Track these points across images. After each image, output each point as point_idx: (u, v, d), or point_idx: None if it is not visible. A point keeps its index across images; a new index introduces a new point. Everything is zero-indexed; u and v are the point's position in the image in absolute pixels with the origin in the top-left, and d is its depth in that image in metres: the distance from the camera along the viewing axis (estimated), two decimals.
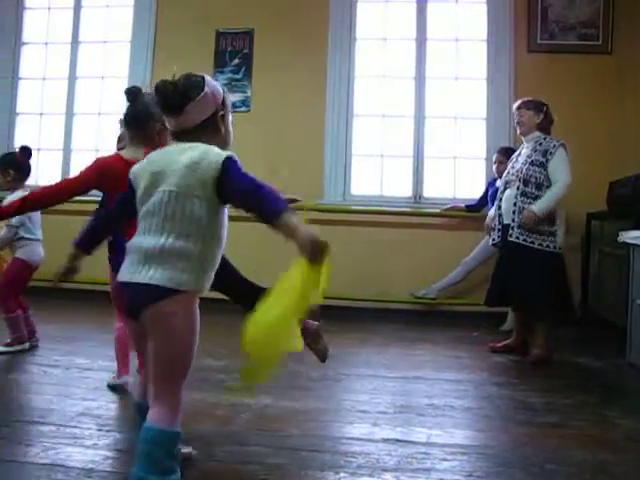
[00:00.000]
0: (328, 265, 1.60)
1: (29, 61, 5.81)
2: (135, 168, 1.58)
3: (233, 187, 1.50)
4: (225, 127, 1.70)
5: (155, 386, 1.47)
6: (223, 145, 1.63)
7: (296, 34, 5.27)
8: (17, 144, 5.70)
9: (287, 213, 1.54)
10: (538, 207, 3.35)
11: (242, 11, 5.35)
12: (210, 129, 1.62)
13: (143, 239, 1.48)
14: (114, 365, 2.91)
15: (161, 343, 1.49)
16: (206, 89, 1.65)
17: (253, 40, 5.34)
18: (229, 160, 1.49)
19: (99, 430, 1.98)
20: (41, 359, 2.94)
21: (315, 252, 1.55)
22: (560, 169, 3.39)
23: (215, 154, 1.50)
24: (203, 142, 1.55)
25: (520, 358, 3.45)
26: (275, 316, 1.54)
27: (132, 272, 1.47)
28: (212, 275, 1.67)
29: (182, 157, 1.50)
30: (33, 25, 5.82)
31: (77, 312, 4.61)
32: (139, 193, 1.53)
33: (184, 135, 1.58)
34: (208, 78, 1.70)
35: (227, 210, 1.63)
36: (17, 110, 5.76)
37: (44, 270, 4.70)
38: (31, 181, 5.62)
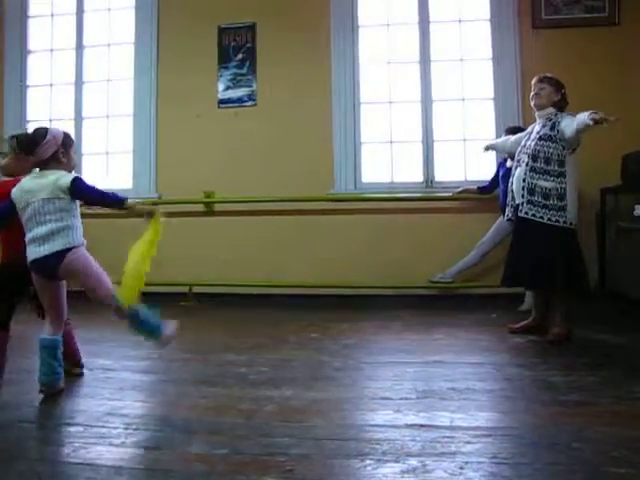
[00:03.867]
0: (158, 223, 2.84)
1: (36, 68, 5.86)
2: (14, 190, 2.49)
3: (85, 196, 2.62)
4: (67, 158, 2.59)
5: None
6: (68, 170, 2.57)
7: (298, 25, 5.25)
8: None
9: (126, 201, 2.73)
10: (584, 115, 3.22)
11: (243, 6, 5.34)
12: (56, 161, 2.52)
13: (37, 231, 2.43)
14: (135, 364, 2.96)
15: (83, 278, 2.52)
16: (48, 137, 2.49)
17: (255, 34, 5.33)
18: (76, 180, 2.52)
19: (126, 429, 2.01)
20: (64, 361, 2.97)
21: (149, 212, 2.84)
22: (570, 117, 3.34)
23: (66, 176, 2.49)
24: (54, 169, 2.50)
25: (540, 338, 3.44)
26: (134, 261, 2.81)
27: (39, 251, 2.41)
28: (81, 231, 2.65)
29: (47, 179, 2.47)
30: (38, 33, 5.86)
31: (89, 313, 4.66)
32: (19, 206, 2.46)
33: (42, 165, 2.52)
34: (51, 129, 2.53)
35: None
36: (27, 118, 5.81)
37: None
38: None
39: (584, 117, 3.22)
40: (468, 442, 1.86)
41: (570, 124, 3.32)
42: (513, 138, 3.91)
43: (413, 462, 1.71)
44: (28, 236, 2.44)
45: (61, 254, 2.44)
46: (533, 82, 3.61)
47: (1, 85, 5.74)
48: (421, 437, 1.91)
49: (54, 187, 2.44)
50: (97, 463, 1.72)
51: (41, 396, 2.40)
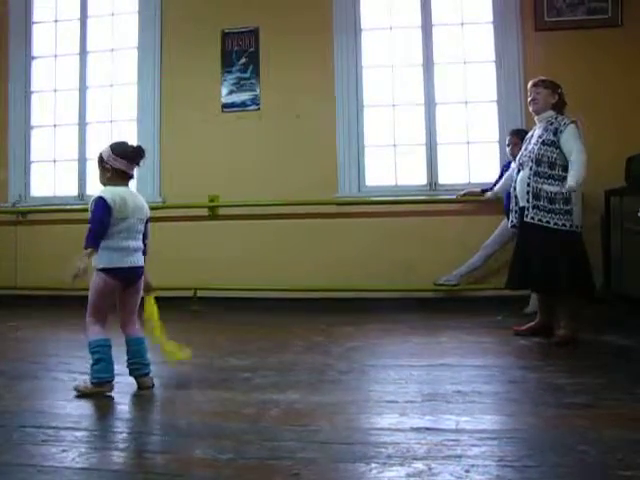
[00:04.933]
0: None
1: (40, 74, 5.88)
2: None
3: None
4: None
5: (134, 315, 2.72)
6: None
7: (301, 29, 5.27)
8: (33, 157, 5.80)
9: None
10: (574, 180, 3.28)
11: (246, 10, 5.36)
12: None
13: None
14: None
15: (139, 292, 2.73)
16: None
17: (259, 38, 5.35)
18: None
19: (130, 433, 2.01)
20: (70, 367, 2.98)
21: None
22: (572, 141, 3.35)
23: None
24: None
25: (545, 340, 3.43)
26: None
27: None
28: None
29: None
30: (41, 39, 5.89)
31: None
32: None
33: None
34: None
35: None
36: (31, 123, 5.84)
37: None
38: (48, 192, 5.76)
39: (572, 176, 3.30)
40: (474, 445, 1.85)
41: (568, 148, 3.36)
42: (507, 175, 4.00)
43: (419, 465, 1.70)
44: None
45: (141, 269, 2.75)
46: (528, 87, 3.61)
47: (5, 90, 5.77)
48: (427, 440, 1.90)
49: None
50: (102, 468, 1.72)
51: (43, 400, 2.41)
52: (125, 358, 2.62)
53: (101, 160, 2.63)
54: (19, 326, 4.11)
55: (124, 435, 1.99)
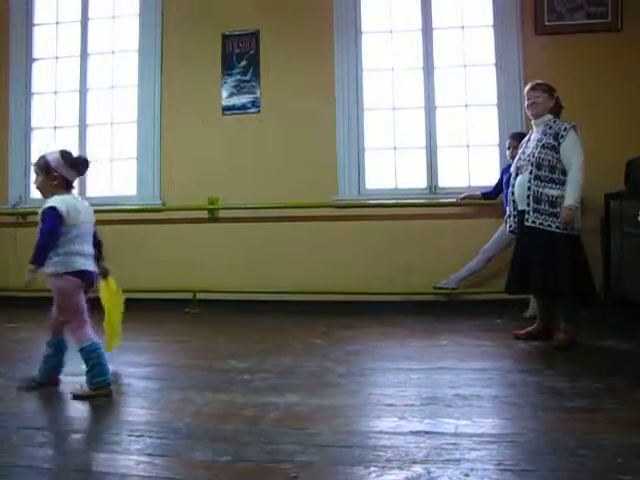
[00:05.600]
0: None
1: (41, 76, 5.89)
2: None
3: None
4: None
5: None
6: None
7: (301, 32, 5.28)
8: (33, 159, 5.79)
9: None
10: (571, 201, 3.30)
11: (246, 13, 5.37)
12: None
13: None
14: (139, 371, 2.96)
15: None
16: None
17: (259, 41, 5.35)
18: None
19: (129, 436, 2.01)
20: (68, 369, 2.97)
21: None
22: (572, 152, 3.36)
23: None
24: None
25: (544, 344, 3.43)
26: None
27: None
28: None
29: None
30: (43, 41, 5.89)
31: (94, 320, 4.67)
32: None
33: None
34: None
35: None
36: (32, 125, 5.84)
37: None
38: None
39: (569, 195, 3.32)
40: (473, 449, 1.85)
41: (567, 160, 3.37)
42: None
43: (418, 469, 1.70)
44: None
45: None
46: (526, 91, 3.61)
47: (6, 92, 5.78)
48: (426, 444, 1.90)
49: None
50: (101, 470, 1.72)
51: (43, 402, 2.41)
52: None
53: (48, 167, 2.61)
54: (19, 328, 4.10)
55: (123, 437, 1.98)
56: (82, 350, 2.51)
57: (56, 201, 2.53)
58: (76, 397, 2.46)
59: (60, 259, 2.51)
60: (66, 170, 2.62)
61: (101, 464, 1.76)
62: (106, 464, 1.76)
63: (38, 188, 2.66)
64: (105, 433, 2.03)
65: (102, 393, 2.47)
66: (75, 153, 2.78)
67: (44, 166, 2.62)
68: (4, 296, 5.24)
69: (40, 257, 2.46)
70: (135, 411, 2.33)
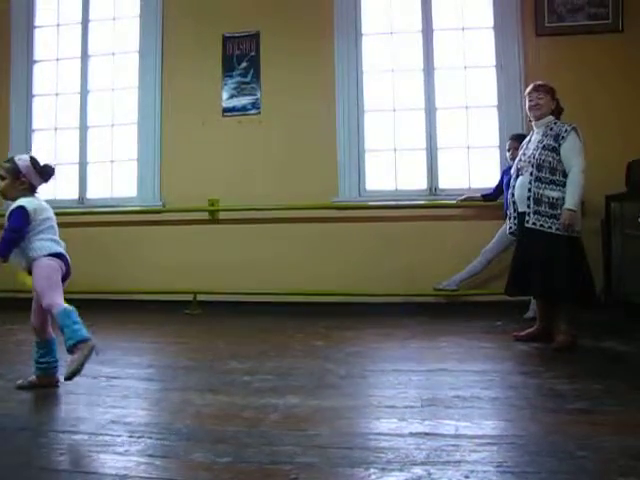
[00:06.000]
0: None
1: (42, 78, 5.90)
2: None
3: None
4: None
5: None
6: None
7: (301, 33, 5.29)
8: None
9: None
10: (571, 203, 3.30)
11: (247, 14, 5.38)
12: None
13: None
14: (140, 372, 2.96)
15: None
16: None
17: (259, 42, 5.36)
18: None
19: (130, 437, 2.00)
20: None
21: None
22: (573, 154, 3.36)
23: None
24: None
25: (544, 345, 3.42)
26: None
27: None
28: None
29: None
30: (43, 42, 5.91)
31: (95, 322, 4.67)
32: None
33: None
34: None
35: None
36: (33, 127, 5.85)
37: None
38: (49, 195, 5.75)
39: (568, 198, 3.32)
40: (473, 450, 1.85)
41: (568, 162, 3.37)
42: None
43: (418, 471, 1.70)
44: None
45: None
46: (527, 92, 3.61)
47: (7, 95, 5.79)
48: (426, 445, 1.90)
49: None
50: (101, 472, 1.72)
51: (43, 403, 2.41)
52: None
53: (17, 172, 2.65)
54: (17, 329, 4.10)
55: (123, 439, 1.98)
56: (57, 315, 2.54)
57: (24, 201, 2.62)
58: (70, 374, 2.45)
59: (37, 245, 2.61)
60: (34, 176, 2.68)
61: (102, 465, 1.76)
62: (107, 465, 1.76)
63: (1, 191, 2.69)
64: (106, 434, 2.03)
65: (87, 347, 2.48)
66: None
67: (13, 170, 2.66)
68: (5, 297, 5.24)
69: (4, 250, 2.55)
70: (135, 412, 2.32)
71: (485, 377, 2.78)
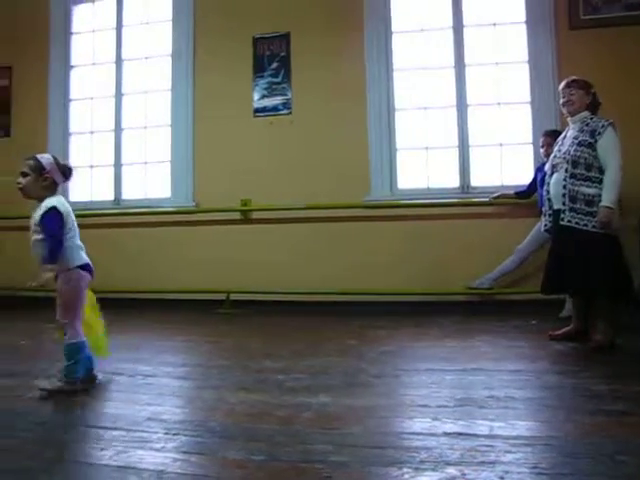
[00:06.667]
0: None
1: (78, 83, 6.04)
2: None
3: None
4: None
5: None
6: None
7: (331, 32, 5.29)
8: (72, 163, 5.92)
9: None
10: (609, 200, 3.23)
11: (277, 15, 5.41)
12: None
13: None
14: (174, 371, 3.01)
15: None
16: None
17: (290, 43, 5.39)
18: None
19: (166, 434, 2.04)
20: (106, 367, 3.04)
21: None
22: (609, 150, 3.29)
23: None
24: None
25: (581, 345, 3.36)
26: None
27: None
28: None
29: None
30: (80, 48, 6.05)
31: (131, 321, 4.77)
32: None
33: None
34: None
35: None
36: (70, 130, 5.99)
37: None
38: (85, 197, 5.90)
39: (605, 197, 3.25)
40: (508, 451, 1.83)
41: (604, 159, 3.30)
42: None
43: (452, 471, 1.69)
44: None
45: None
46: (561, 88, 3.54)
47: (46, 99, 5.94)
48: (459, 445, 1.88)
49: None
50: (139, 467, 1.76)
51: (84, 399, 2.47)
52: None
53: (42, 168, 2.63)
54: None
55: (159, 435, 2.02)
56: (70, 345, 2.60)
57: (54, 202, 2.60)
58: (42, 390, 2.53)
59: (69, 254, 2.62)
60: (57, 173, 2.67)
61: (140, 460, 1.80)
62: (144, 460, 1.80)
63: (23, 188, 2.64)
64: (143, 431, 2.07)
65: (72, 388, 2.56)
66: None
67: (36, 167, 2.63)
68: (44, 297, 5.38)
69: (54, 257, 2.54)
70: (171, 409, 2.36)
71: (520, 377, 2.75)
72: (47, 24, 5.98)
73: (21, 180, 2.63)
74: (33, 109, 5.97)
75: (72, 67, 6.02)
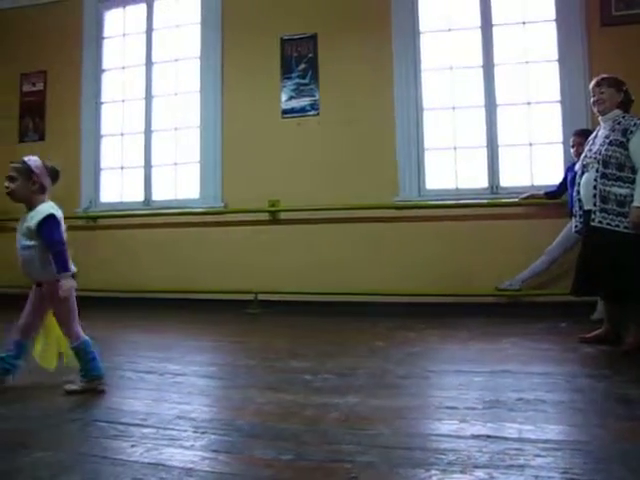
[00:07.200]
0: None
1: (109, 86, 6.16)
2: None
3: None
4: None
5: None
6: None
7: (359, 33, 5.29)
8: (103, 165, 6.06)
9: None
10: (639, 200, 3.18)
11: (304, 17, 5.44)
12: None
13: None
14: (203, 370, 3.04)
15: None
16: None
17: (317, 44, 5.41)
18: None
19: (195, 432, 2.07)
20: (137, 366, 3.10)
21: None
22: None
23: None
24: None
25: (612, 348, 3.30)
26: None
27: None
28: None
29: None
30: (111, 52, 6.17)
31: (160, 321, 4.83)
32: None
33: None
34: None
35: None
36: (101, 132, 6.10)
37: (122, 282, 4.95)
38: (116, 197, 6.00)
39: (638, 194, 3.18)
40: (537, 455, 1.81)
41: (637, 156, 3.23)
42: None
43: (480, 474, 1.68)
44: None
45: None
46: (591, 87, 3.49)
47: (78, 102, 6.07)
48: (488, 448, 1.87)
49: None
50: (169, 464, 1.78)
51: (115, 397, 2.52)
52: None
53: (30, 171, 2.57)
54: (90, 326, 4.29)
55: (188, 434, 2.05)
56: (75, 348, 2.63)
57: (49, 208, 2.57)
58: (70, 392, 2.58)
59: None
60: (45, 177, 2.62)
61: (169, 458, 1.83)
62: (174, 458, 1.83)
63: (11, 192, 2.57)
64: (172, 429, 2.10)
65: (94, 386, 2.61)
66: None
67: (25, 170, 2.57)
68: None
69: (67, 265, 2.53)
70: (200, 408, 2.39)
71: (549, 380, 2.71)
72: (80, 29, 6.11)
73: (9, 184, 2.56)
74: (66, 112, 6.10)
75: (103, 71, 6.14)
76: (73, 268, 2.60)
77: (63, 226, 2.61)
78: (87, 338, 2.69)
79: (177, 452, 1.88)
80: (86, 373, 2.63)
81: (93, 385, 2.62)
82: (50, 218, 2.54)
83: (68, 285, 2.52)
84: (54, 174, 2.67)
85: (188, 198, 5.76)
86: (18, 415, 2.28)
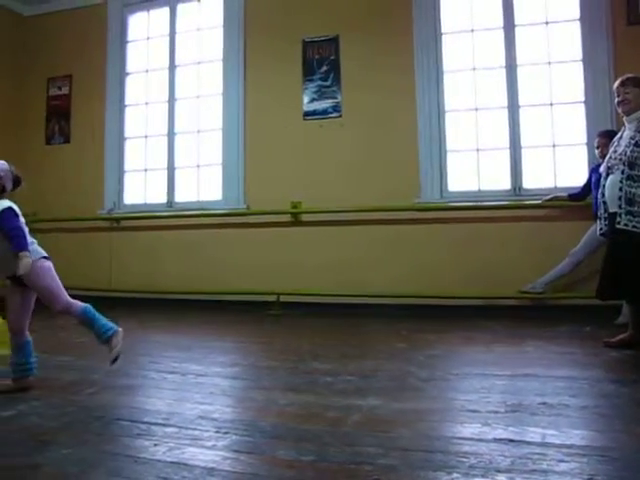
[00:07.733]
0: None
1: (133, 89, 6.24)
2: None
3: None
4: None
5: None
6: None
7: (381, 35, 5.29)
8: (127, 167, 6.14)
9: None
10: None
11: (326, 19, 5.45)
12: None
13: None
14: (225, 371, 3.06)
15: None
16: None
17: (339, 46, 5.42)
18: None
19: (217, 432, 2.09)
20: (160, 366, 3.13)
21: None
22: None
23: None
24: None
25: (637, 353, 3.25)
26: None
27: None
28: None
29: None
30: (135, 56, 6.25)
31: (182, 321, 4.88)
32: None
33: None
34: None
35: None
36: (125, 135, 6.19)
37: (148, 283, 5.01)
38: (139, 199, 6.08)
39: None
40: (561, 460, 1.79)
41: None
42: None
43: (502, 478, 1.67)
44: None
45: None
46: (615, 86, 3.44)
47: (103, 105, 6.17)
48: (510, 452, 1.85)
49: None
50: (190, 464, 1.80)
51: (138, 396, 2.55)
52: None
53: None
54: None
55: (210, 434, 2.07)
56: (80, 317, 2.68)
57: (7, 203, 2.64)
58: (115, 359, 2.69)
59: (34, 246, 2.67)
60: (8, 181, 2.70)
61: (191, 457, 1.85)
62: (196, 457, 1.85)
63: None
64: (194, 428, 2.12)
65: (120, 334, 2.70)
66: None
67: None
68: (100, 296, 5.58)
69: (25, 243, 2.57)
70: (222, 409, 2.41)
71: (573, 384, 2.68)
72: (104, 34, 6.21)
73: None
74: (91, 115, 6.20)
75: (127, 74, 6.23)
76: (43, 251, 2.70)
77: (22, 219, 2.68)
78: (86, 305, 2.72)
79: (199, 452, 1.90)
80: (101, 336, 2.68)
81: (115, 342, 2.68)
82: (8, 210, 2.62)
83: (26, 262, 2.53)
84: (17, 180, 2.76)
85: (211, 200, 5.81)
86: (41, 413, 2.32)
